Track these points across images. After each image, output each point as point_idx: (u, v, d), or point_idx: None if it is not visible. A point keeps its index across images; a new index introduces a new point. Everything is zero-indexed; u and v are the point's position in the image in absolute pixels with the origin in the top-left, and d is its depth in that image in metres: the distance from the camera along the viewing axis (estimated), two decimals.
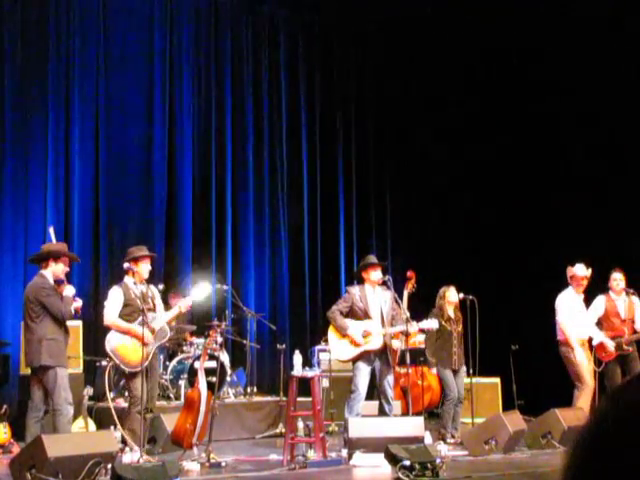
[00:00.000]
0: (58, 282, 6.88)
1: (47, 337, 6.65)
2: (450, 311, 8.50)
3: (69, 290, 6.86)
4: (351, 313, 7.79)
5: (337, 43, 12.34)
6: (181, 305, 7.38)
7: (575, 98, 10.57)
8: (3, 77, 9.80)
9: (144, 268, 7.29)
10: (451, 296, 8.53)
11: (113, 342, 7.10)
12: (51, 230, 7.58)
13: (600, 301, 8.61)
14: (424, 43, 11.90)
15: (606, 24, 10.08)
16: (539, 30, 10.88)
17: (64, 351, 6.83)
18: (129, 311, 7.18)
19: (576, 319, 8.47)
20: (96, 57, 10.44)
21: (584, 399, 8.30)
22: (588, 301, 8.70)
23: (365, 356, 7.71)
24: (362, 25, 12.26)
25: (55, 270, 6.85)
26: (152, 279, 7.67)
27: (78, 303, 6.92)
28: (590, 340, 8.53)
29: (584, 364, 8.36)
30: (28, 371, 8.20)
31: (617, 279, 8.54)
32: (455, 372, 8.45)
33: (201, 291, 7.52)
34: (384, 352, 7.71)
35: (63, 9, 10.25)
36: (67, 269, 7.05)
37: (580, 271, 8.53)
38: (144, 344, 6.91)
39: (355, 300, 7.80)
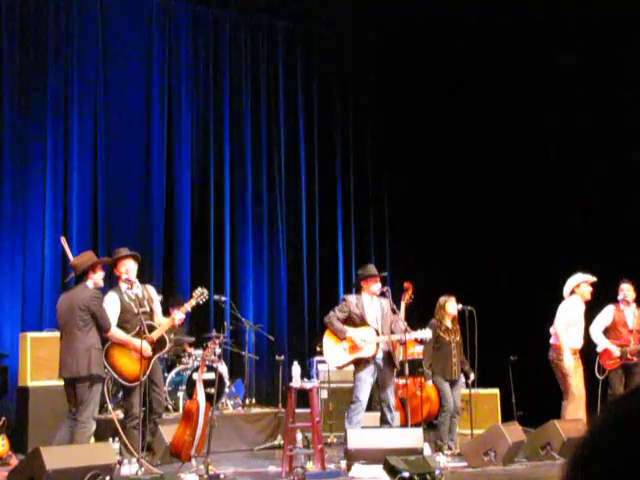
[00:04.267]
0: None
1: (96, 346, 6.62)
2: (448, 322, 8.47)
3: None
4: (348, 320, 7.79)
5: (337, 54, 12.38)
6: (175, 317, 7.31)
7: (575, 112, 10.62)
8: (2, 92, 9.84)
9: (126, 268, 7.13)
10: (450, 307, 8.48)
11: (111, 355, 6.98)
12: (63, 240, 7.47)
13: (609, 310, 8.63)
14: (424, 54, 11.92)
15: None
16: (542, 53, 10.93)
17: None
18: (127, 317, 7.07)
19: (575, 328, 8.48)
20: (95, 62, 10.47)
21: (572, 409, 8.32)
22: (596, 310, 8.71)
23: (365, 365, 7.70)
24: (362, 37, 12.32)
25: (96, 280, 6.78)
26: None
27: None
28: (582, 348, 8.56)
29: (570, 374, 8.35)
30: (27, 383, 8.22)
31: (624, 290, 8.55)
32: (453, 383, 8.43)
33: (199, 295, 7.45)
34: (389, 359, 7.70)
35: (62, 28, 10.30)
36: (104, 274, 6.99)
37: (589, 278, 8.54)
38: (143, 357, 6.82)
39: (352, 307, 7.80)
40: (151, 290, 7.47)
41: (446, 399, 8.37)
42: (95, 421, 6.69)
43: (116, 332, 6.97)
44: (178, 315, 7.32)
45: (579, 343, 8.50)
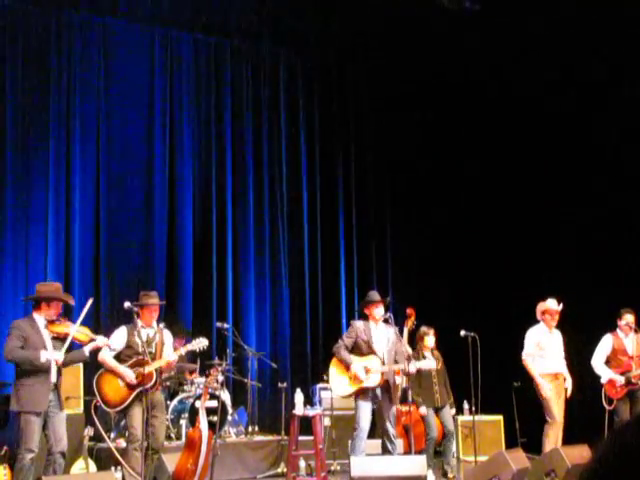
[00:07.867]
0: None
1: (16, 382, 6.52)
2: (427, 352, 8.60)
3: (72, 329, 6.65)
4: (355, 347, 7.77)
5: (336, 81, 12.46)
6: (168, 359, 7.29)
7: (565, 123, 10.65)
8: (5, 123, 9.91)
9: (151, 316, 7.31)
10: (428, 340, 8.68)
11: (99, 378, 7.14)
12: (90, 301, 7.14)
13: (607, 340, 8.66)
14: (424, 74, 11.97)
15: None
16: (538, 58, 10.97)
17: (36, 396, 6.43)
18: (130, 353, 7.18)
19: (545, 354, 8.53)
20: (96, 91, 10.54)
21: (553, 433, 8.36)
22: (594, 340, 8.71)
23: (365, 393, 7.69)
24: (362, 62, 12.40)
25: (47, 314, 6.64)
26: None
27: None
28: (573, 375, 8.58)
29: (552, 398, 8.40)
30: None
31: (627, 320, 8.57)
32: (439, 409, 8.55)
33: (197, 344, 7.48)
34: (387, 389, 7.68)
35: (64, 56, 10.39)
36: (60, 311, 6.80)
37: (554, 305, 8.58)
38: (130, 385, 6.97)
39: (359, 333, 7.77)
40: (166, 335, 7.51)
41: (430, 427, 8.54)
42: (31, 452, 6.39)
43: (106, 359, 7.13)
44: (172, 357, 7.32)
45: (552, 368, 8.54)
